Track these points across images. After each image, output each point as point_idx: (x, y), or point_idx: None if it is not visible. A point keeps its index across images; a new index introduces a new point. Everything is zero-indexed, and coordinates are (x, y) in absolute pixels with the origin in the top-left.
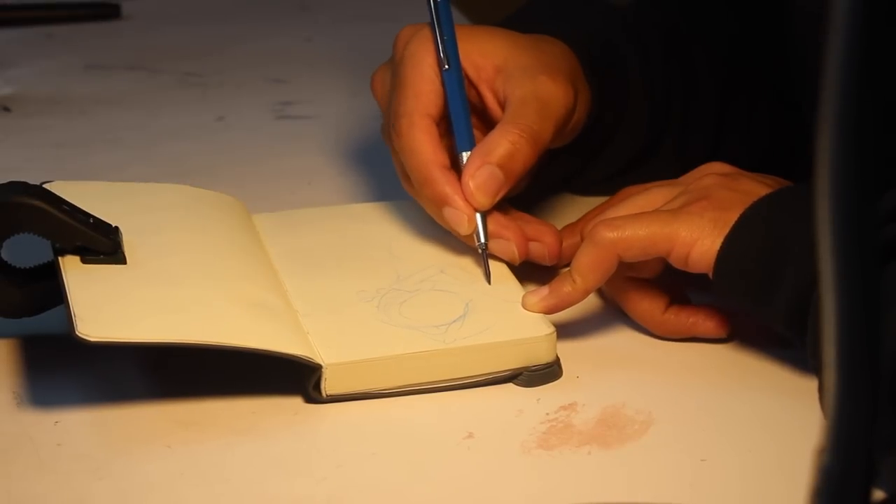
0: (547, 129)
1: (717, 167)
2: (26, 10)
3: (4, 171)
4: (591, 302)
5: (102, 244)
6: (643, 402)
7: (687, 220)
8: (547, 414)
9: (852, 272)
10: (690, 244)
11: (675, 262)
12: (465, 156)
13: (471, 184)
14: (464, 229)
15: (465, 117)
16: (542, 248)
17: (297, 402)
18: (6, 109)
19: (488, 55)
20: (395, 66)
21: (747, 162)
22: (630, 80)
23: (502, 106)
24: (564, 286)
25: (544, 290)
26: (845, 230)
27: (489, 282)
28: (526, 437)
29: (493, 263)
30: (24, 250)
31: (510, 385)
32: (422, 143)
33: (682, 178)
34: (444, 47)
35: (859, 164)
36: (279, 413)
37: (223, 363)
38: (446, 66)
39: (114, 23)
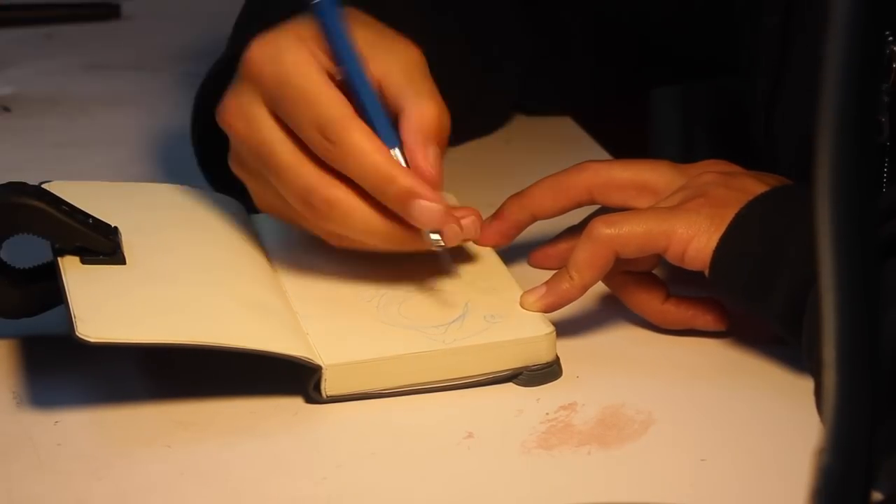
0: (436, 87)
1: (717, 165)
2: (26, 10)
3: (4, 171)
4: (591, 301)
5: (102, 245)
6: (643, 402)
7: (684, 217)
8: (547, 414)
9: (852, 270)
10: (687, 241)
11: (672, 259)
12: (395, 151)
13: (430, 168)
14: (438, 221)
15: (383, 112)
16: (473, 223)
17: (296, 402)
18: (6, 109)
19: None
20: (272, 84)
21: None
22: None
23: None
24: (562, 283)
25: (542, 289)
26: (844, 228)
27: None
28: (526, 437)
29: (491, 263)
30: (24, 251)
31: (510, 385)
32: (367, 143)
33: (683, 170)
34: (336, 46)
35: (859, 163)
36: (279, 413)
37: (223, 363)
38: (345, 65)
39: (114, 23)
